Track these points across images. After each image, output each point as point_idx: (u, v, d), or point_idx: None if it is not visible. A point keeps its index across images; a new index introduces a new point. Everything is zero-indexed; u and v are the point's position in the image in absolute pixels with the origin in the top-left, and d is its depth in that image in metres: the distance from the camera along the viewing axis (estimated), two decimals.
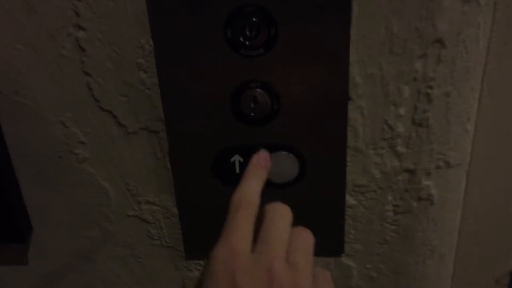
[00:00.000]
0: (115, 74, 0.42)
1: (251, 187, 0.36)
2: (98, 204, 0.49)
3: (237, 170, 0.46)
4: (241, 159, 0.45)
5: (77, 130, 0.45)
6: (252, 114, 0.43)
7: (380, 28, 0.39)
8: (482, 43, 0.40)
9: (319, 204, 0.47)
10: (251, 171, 0.39)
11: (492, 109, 0.44)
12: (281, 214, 0.34)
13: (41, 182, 0.48)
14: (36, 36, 0.41)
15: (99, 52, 0.41)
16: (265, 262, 0.30)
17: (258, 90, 0.42)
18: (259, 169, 0.40)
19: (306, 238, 0.33)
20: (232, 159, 0.45)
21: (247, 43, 0.40)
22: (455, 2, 0.38)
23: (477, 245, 0.51)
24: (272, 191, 0.42)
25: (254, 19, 0.39)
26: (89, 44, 0.41)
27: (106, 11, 0.40)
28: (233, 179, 0.46)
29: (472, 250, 0.51)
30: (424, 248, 0.49)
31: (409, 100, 0.42)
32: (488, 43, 0.41)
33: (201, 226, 0.50)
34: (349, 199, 0.47)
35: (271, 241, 0.32)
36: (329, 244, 0.49)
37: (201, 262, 0.52)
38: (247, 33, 0.39)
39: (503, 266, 0.52)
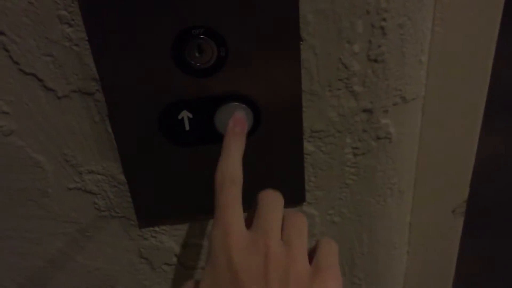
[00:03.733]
0: (34, 31, 0.37)
1: (230, 160, 0.35)
2: (33, 179, 0.44)
3: (187, 127, 0.42)
4: (190, 115, 0.41)
5: None
6: (197, 64, 0.39)
7: None
8: None
9: (277, 154, 0.44)
10: (227, 141, 0.37)
11: (445, 38, 0.43)
12: (273, 198, 0.35)
13: None
14: None
15: (12, 5, 0.35)
16: (260, 241, 0.31)
17: (202, 37, 0.38)
18: (235, 136, 0.38)
19: (299, 219, 0.35)
20: (180, 116, 0.41)
21: None
22: None
23: (434, 178, 0.51)
24: None
25: None
26: None
27: None
28: (184, 137, 0.42)
29: (429, 184, 0.51)
30: (384, 187, 0.48)
31: (363, 35, 0.39)
32: None
33: (152, 191, 0.46)
34: (308, 146, 0.45)
35: (266, 223, 0.33)
36: (290, 193, 0.47)
37: (156, 228, 0.48)
38: None
39: (459, 196, 0.53)
